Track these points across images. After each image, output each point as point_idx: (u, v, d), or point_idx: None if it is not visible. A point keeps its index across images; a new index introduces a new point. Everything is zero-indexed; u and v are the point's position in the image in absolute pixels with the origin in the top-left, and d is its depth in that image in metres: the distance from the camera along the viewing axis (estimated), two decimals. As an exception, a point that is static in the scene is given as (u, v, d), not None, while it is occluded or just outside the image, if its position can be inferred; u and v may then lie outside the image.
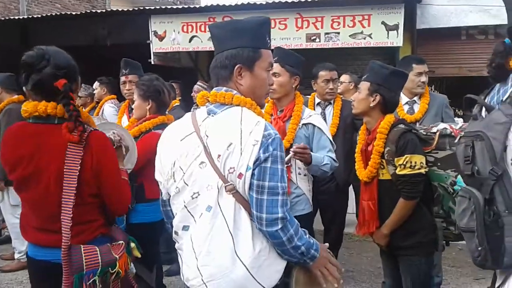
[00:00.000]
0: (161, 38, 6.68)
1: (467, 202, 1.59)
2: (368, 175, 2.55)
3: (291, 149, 2.51)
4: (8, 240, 5.00)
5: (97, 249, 1.89)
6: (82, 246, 1.87)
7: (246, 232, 1.53)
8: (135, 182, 2.64)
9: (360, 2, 5.84)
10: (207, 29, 6.35)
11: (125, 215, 2.70)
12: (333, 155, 2.73)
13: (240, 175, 1.50)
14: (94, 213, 1.97)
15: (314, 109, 3.80)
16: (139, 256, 2.15)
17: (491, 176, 1.52)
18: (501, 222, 1.50)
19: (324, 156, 2.67)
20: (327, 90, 3.79)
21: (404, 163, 2.37)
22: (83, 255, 1.85)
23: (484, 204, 1.53)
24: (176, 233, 1.67)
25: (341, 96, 4.89)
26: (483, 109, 1.72)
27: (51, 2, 11.22)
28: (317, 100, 3.90)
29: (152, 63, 6.70)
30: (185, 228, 1.62)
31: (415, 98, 3.50)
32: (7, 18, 8.47)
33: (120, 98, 5.26)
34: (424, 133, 2.51)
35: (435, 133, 2.47)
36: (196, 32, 6.52)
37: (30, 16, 8.00)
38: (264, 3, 6.12)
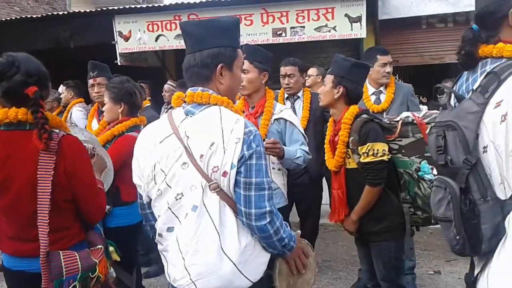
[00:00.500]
0: (126, 38, 6.58)
1: (443, 192, 1.59)
2: (335, 165, 2.66)
3: None
4: None
5: (77, 255, 1.89)
6: (61, 252, 1.87)
7: (232, 229, 1.57)
8: (111, 185, 2.63)
9: (324, -4, 5.91)
10: (173, 28, 6.38)
11: (102, 219, 2.69)
12: (306, 148, 2.78)
13: (224, 173, 1.53)
14: (69, 219, 1.97)
15: (284, 104, 3.86)
16: (118, 259, 2.15)
17: (465, 165, 1.52)
18: (477, 211, 1.50)
19: (297, 149, 2.72)
20: (284, 86, 3.89)
21: (367, 151, 2.47)
22: (63, 261, 1.85)
23: (460, 193, 1.53)
24: (160, 235, 1.68)
25: (310, 89, 4.99)
26: (452, 97, 1.73)
27: (9, 5, 10.85)
28: (286, 95, 3.97)
29: (119, 64, 6.58)
30: (170, 229, 1.63)
31: (381, 88, 3.60)
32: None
33: (88, 101, 5.19)
34: (388, 122, 2.61)
35: (398, 121, 2.57)
36: (162, 31, 6.44)
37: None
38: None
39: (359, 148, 2.50)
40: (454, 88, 1.75)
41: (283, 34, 6.13)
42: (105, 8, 6.73)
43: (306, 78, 5.19)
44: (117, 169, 2.60)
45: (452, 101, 1.73)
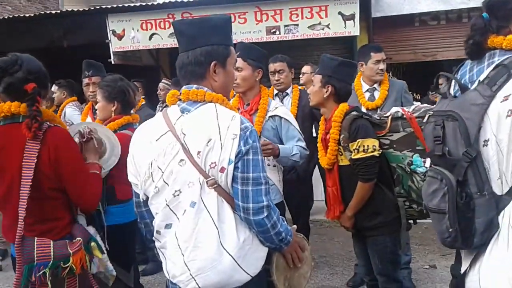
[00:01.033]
0: (120, 37, 6.58)
1: (438, 183, 1.56)
2: (328, 162, 2.68)
3: None
4: None
5: (51, 243, 1.95)
6: (36, 238, 1.94)
7: (230, 224, 1.59)
8: (105, 184, 2.63)
9: (317, -7, 5.93)
10: (167, 26, 6.38)
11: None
12: (303, 144, 2.80)
13: (222, 169, 1.55)
14: (58, 210, 2.04)
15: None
16: (100, 256, 2.14)
17: (464, 158, 1.48)
18: (473, 204, 1.48)
19: (293, 146, 2.74)
20: (274, 82, 3.93)
21: (357, 147, 2.50)
22: (35, 246, 1.91)
23: (457, 186, 1.50)
24: (158, 232, 1.68)
25: (304, 86, 5.01)
26: (452, 87, 1.68)
27: (1, 5, 10.78)
28: (275, 91, 4.01)
29: (113, 62, 6.57)
30: (168, 226, 1.64)
31: (375, 85, 3.62)
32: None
33: (81, 100, 5.18)
34: (378, 117, 2.64)
35: (387, 117, 2.60)
36: (156, 29, 6.44)
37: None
38: (222, -2, 6.13)
39: (350, 144, 2.53)
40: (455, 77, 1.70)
41: (277, 32, 6.15)
42: (98, 7, 6.71)
43: (301, 75, 5.22)
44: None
45: (452, 90, 1.69)
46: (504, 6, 1.57)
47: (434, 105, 3.12)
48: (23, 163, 1.91)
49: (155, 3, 6.32)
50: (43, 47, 7.30)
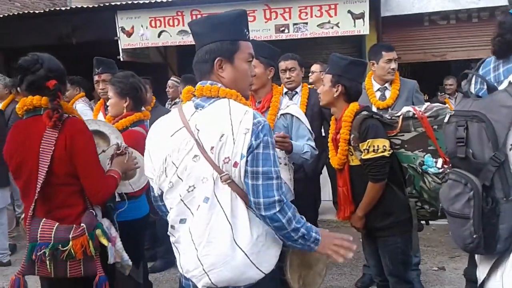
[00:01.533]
0: (129, 34, 6.57)
1: (462, 187, 1.49)
2: (338, 162, 2.67)
3: None
4: None
5: (55, 225, 2.07)
6: (44, 219, 2.07)
7: (244, 220, 1.58)
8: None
9: (326, -8, 5.91)
10: (176, 24, 6.38)
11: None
12: (313, 143, 2.79)
13: (235, 164, 1.55)
14: (74, 197, 2.15)
15: None
16: (106, 244, 2.18)
17: (492, 162, 1.42)
18: (498, 210, 1.43)
19: (304, 144, 2.73)
20: (285, 80, 3.90)
21: (368, 147, 2.49)
22: (40, 227, 2.05)
23: (482, 190, 1.44)
24: (172, 227, 1.69)
25: (313, 85, 5.00)
26: (472, 86, 1.63)
27: (10, 1, 10.81)
28: (284, 90, 3.99)
29: (121, 59, 6.57)
30: (182, 221, 1.65)
31: (386, 85, 3.60)
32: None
33: (89, 96, 5.20)
34: (389, 117, 2.62)
35: (398, 116, 2.58)
36: (165, 26, 6.43)
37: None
38: (231, -5, 6.11)
39: (360, 144, 2.52)
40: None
41: (286, 31, 6.13)
42: (107, 4, 6.71)
43: (310, 74, 5.21)
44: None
45: (473, 89, 1.64)
46: None
47: (446, 105, 3.11)
48: (40, 150, 2.05)
49: (164, 0, 6.29)
50: (52, 44, 7.34)
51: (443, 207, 1.65)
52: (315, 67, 5.15)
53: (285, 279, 1.73)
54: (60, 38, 7.53)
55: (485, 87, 1.58)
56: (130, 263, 2.32)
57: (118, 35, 6.62)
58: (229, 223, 1.57)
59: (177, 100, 5.59)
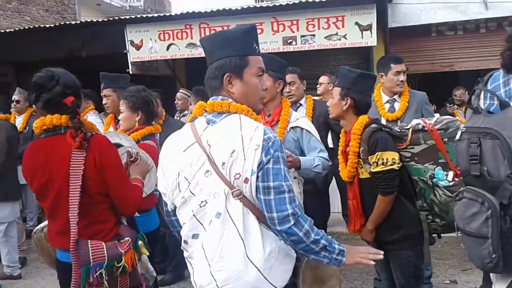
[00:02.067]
0: (138, 47, 6.65)
1: (479, 206, 1.46)
2: (348, 175, 2.66)
3: None
4: None
5: (104, 244, 2.05)
6: (89, 241, 2.04)
7: (256, 235, 1.58)
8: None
9: (334, 4, 5.93)
10: (184, 37, 6.44)
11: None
12: (325, 155, 2.78)
13: (246, 180, 1.55)
14: (105, 214, 2.14)
15: None
16: (147, 254, 2.25)
17: (509, 180, 1.39)
18: None
19: (315, 157, 2.72)
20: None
21: (377, 160, 2.48)
22: (90, 249, 2.01)
23: (500, 209, 1.41)
24: (185, 242, 1.70)
25: (321, 97, 5.01)
26: (481, 101, 1.61)
27: (19, 15, 11.01)
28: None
29: (131, 72, 6.64)
30: (195, 236, 1.66)
31: (395, 97, 3.61)
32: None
33: (99, 109, 5.24)
34: (398, 130, 2.61)
35: (408, 129, 2.57)
36: (173, 39, 6.50)
37: (1, 31, 7.82)
38: (239, 8, 6.16)
39: (369, 157, 2.51)
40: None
41: (294, 43, 6.16)
42: (117, 18, 6.80)
43: (318, 86, 5.22)
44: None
45: (483, 104, 1.62)
46: None
47: (456, 117, 3.09)
48: (70, 171, 2.01)
49: (172, 13, 6.36)
50: (62, 57, 7.43)
51: (458, 226, 1.61)
52: (323, 79, 5.16)
53: (299, 294, 1.73)
54: (70, 52, 7.61)
55: (496, 102, 1.56)
56: (155, 274, 2.36)
57: (127, 48, 6.70)
58: (241, 238, 1.57)
59: (185, 112, 5.62)
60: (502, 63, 1.56)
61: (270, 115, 2.89)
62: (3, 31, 7.82)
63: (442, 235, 2.79)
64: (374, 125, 2.57)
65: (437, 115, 4.00)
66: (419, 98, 3.58)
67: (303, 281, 1.72)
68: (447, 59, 6.87)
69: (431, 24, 6.72)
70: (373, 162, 2.50)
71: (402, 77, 3.54)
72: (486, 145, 1.46)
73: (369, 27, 5.90)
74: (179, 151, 1.68)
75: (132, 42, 6.67)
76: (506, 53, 1.53)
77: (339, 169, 2.80)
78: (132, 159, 2.41)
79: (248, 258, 1.57)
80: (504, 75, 1.58)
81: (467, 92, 6.21)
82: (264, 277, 1.58)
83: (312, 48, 6.16)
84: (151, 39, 6.59)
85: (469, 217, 1.52)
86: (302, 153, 2.78)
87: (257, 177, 1.54)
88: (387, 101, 3.63)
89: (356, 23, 5.94)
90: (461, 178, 1.71)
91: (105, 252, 2.02)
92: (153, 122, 3.08)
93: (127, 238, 2.12)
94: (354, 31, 5.95)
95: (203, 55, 1.77)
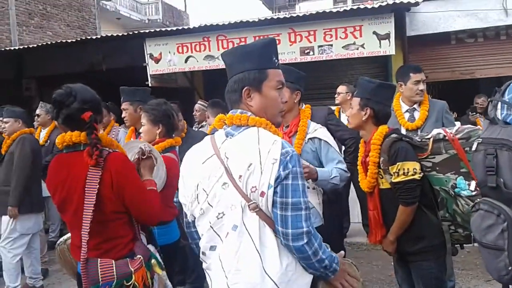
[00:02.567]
0: (157, 60, 6.75)
1: (495, 218, 1.47)
2: (368, 186, 2.65)
3: None
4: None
5: (113, 263, 2.04)
6: (99, 259, 2.03)
7: (272, 249, 1.58)
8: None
9: (351, 14, 5.92)
10: (202, 49, 6.51)
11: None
12: (344, 166, 2.77)
13: (262, 194, 1.55)
14: (122, 229, 2.14)
15: None
16: (160, 273, 2.22)
17: None
18: None
19: (333, 168, 2.71)
20: None
21: (397, 170, 2.46)
22: (99, 268, 2.00)
23: None
24: (203, 253, 1.71)
25: (340, 106, 4.99)
26: (498, 111, 1.60)
27: (42, 30, 11.30)
28: None
29: (150, 85, 6.73)
30: (212, 248, 1.66)
31: (415, 106, 3.58)
32: (1, 49, 8.50)
33: (120, 121, 5.31)
34: (419, 139, 2.59)
35: (429, 139, 2.55)
36: (192, 52, 6.58)
37: (25, 46, 8.03)
38: (256, 20, 6.20)
39: (390, 168, 2.49)
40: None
41: (311, 53, 6.16)
42: (136, 32, 6.93)
43: (336, 95, 5.21)
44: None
45: (500, 114, 1.62)
46: None
47: (477, 126, 3.04)
48: (85, 189, 2.01)
49: (190, 27, 6.44)
50: (83, 71, 7.59)
51: (475, 238, 1.61)
52: (341, 89, 5.15)
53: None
54: (91, 66, 7.77)
55: None
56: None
57: (146, 62, 6.81)
58: (258, 251, 1.57)
59: (204, 123, 5.66)
60: None
61: (288, 126, 2.90)
62: (26, 46, 8.03)
63: (464, 245, 2.74)
64: (394, 135, 2.56)
65: (458, 124, 3.96)
66: (439, 107, 3.54)
67: (323, 295, 1.71)
68: (468, 66, 6.78)
69: (450, 32, 6.66)
70: (394, 172, 2.48)
71: (422, 86, 3.51)
72: (502, 157, 1.46)
73: (387, 36, 5.87)
74: (198, 163, 1.70)
75: (151, 55, 6.77)
76: None
77: (359, 179, 2.79)
78: (144, 157, 2.41)
79: (265, 271, 1.56)
80: None
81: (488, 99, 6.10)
82: None
83: (330, 58, 6.15)
84: (169, 52, 6.69)
85: (485, 229, 1.53)
86: (320, 164, 2.78)
87: (275, 191, 1.54)
88: (406, 111, 3.60)
89: (374, 32, 5.91)
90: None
91: (114, 271, 2.01)
92: (173, 135, 3.12)
93: (138, 256, 2.10)
94: (372, 40, 5.92)
95: (220, 67, 1.80)
